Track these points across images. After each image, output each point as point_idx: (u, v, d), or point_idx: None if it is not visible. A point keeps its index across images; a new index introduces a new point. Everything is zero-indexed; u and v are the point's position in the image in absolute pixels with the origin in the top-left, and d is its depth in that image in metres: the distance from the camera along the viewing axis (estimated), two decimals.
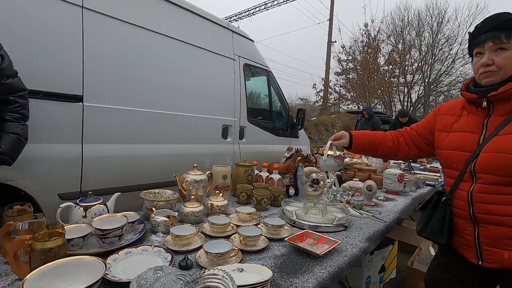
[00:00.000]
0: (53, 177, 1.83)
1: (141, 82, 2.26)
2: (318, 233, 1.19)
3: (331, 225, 1.32)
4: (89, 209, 1.04)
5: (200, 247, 1.02)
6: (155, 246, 0.97)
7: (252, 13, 22.15)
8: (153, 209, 1.18)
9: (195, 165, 1.50)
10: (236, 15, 22.74)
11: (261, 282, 0.76)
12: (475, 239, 1.04)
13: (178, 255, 0.96)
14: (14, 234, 0.82)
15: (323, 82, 17.08)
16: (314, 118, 15.09)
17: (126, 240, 1.01)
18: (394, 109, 16.19)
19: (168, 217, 1.14)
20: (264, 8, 21.32)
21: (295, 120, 4.09)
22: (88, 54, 1.95)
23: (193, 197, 1.29)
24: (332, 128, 14.46)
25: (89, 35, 1.95)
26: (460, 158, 1.05)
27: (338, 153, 1.40)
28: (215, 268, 0.74)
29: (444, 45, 16.10)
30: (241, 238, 1.04)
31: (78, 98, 1.92)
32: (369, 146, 1.38)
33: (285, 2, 20.04)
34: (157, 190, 1.36)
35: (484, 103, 1.01)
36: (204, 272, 0.72)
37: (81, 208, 1.04)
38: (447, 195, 1.11)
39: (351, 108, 16.28)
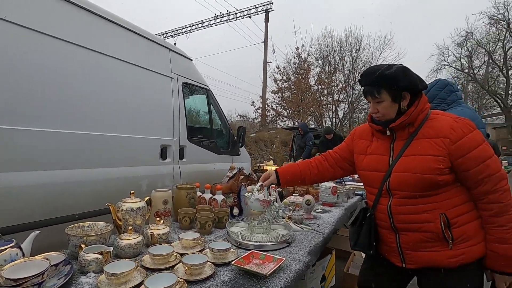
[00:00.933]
0: None
1: (67, 100, 2.02)
2: (263, 253, 1.21)
3: (276, 243, 1.36)
4: None
5: (141, 283, 0.93)
6: None
7: (189, 31, 22.17)
8: (82, 245, 1.04)
9: (132, 191, 1.39)
10: (172, 31, 22.43)
11: None
12: (397, 245, 1.21)
13: None
14: None
15: (261, 100, 17.84)
16: (254, 134, 15.54)
17: (47, 287, 0.86)
18: (324, 125, 17.77)
19: (101, 253, 1.02)
20: (201, 26, 21.58)
21: (236, 137, 4.15)
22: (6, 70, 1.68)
23: (130, 227, 1.18)
24: (271, 144, 15.06)
25: (7, 48, 1.69)
26: (377, 178, 1.23)
27: (264, 197, 1.49)
28: None
29: (362, 69, 18.56)
30: (186, 268, 0.99)
31: None
32: (296, 179, 1.54)
33: (222, 23, 20.64)
34: (87, 223, 1.21)
35: (388, 132, 1.22)
36: None
37: None
38: (370, 210, 1.27)
39: (288, 124, 17.30)
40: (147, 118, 2.71)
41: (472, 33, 15.83)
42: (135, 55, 2.61)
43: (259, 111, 17.62)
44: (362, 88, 1.25)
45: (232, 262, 1.09)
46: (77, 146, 2.07)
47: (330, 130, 6.57)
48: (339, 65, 18.49)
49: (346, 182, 3.27)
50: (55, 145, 1.92)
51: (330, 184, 2.29)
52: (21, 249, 0.94)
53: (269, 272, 1.03)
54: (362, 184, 3.41)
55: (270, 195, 1.56)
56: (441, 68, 17.36)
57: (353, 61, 18.43)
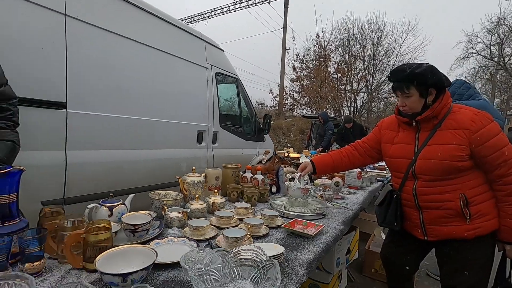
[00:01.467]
0: (36, 185, 1.82)
1: (123, 89, 2.31)
2: (305, 220, 1.46)
3: (313, 214, 1.60)
4: (113, 209, 1.16)
5: (214, 236, 1.21)
6: (179, 237, 1.13)
7: (208, 17, 22.18)
8: (165, 207, 1.33)
9: (193, 168, 1.66)
10: (191, 17, 22.52)
11: (279, 254, 0.99)
12: (420, 221, 1.41)
13: (200, 243, 1.14)
14: (60, 231, 0.93)
15: (279, 87, 17.85)
16: (272, 122, 15.66)
17: (150, 234, 1.15)
18: (342, 114, 17.64)
19: (181, 213, 1.30)
20: (220, 12, 21.51)
21: (261, 125, 4.38)
22: (71, 62, 1.97)
23: (198, 196, 1.46)
24: (288, 132, 15.20)
25: (72, 43, 1.97)
26: (403, 164, 1.42)
27: (305, 185, 1.70)
28: (240, 246, 0.95)
29: (383, 56, 18.11)
30: (249, 226, 1.25)
31: (62, 105, 1.93)
32: (329, 168, 1.75)
33: (241, 8, 20.49)
34: (163, 192, 1.50)
35: (413, 123, 1.39)
36: (236, 249, 0.93)
37: (106, 208, 1.15)
38: (397, 192, 1.47)
39: (305, 112, 17.29)
40: (186, 106, 2.98)
41: (505, 18, 15.01)
42: (179, 49, 2.87)
43: (277, 99, 17.66)
44: (391, 83, 1.41)
45: (282, 225, 1.35)
46: (130, 129, 2.37)
47: (350, 119, 6.67)
48: (360, 53, 18.10)
49: (367, 169, 3.45)
50: (111, 128, 2.21)
51: (355, 169, 2.50)
52: (126, 205, 1.23)
53: (314, 233, 1.28)
54: (383, 171, 3.59)
55: (306, 183, 1.77)
56: (469, 56, 16.63)
57: (375, 48, 17.97)
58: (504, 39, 15.55)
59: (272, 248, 1.05)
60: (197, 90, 3.17)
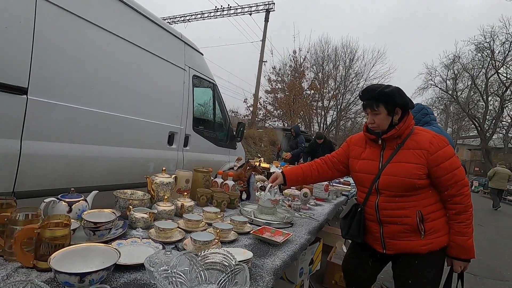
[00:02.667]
0: None
1: (92, 81, 2.19)
2: (273, 228, 1.47)
3: (281, 223, 1.62)
4: (73, 205, 1.08)
5: (181, 239, 1.17)
6: (143, 238, 1.08)
7: (188, 20, 22.01)
8: (130, 207, 1.26)
9: (164, 168, 1.61)
10: (170, 18, 22.18)
11: (247, 259, 0.98)
12: (380, 235, 1.48)
13: (166, 245, 1.09)
14: (11, 224, 0.84)
15: (254, 97, 18.06)
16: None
17: (112, 234, 1.08)
18: (312, 129, 18.25)
19: (147, 214, 1.24)
20: (201, 17, 21.46)
21: (234, 132, 4.38)
22: (38, 46, 1.83)
23: (166, 197, 1.41)
24: (259, 142, 15.33)
25: (41, 26, 1.85)
26: (368, 179, 1.50)
27: (275, 196, 1.73)
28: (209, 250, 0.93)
29: (353, 79, 19.19)
30: (218, 231, 1.23)
31: (22, 90, 1.78)
32: (300, 180, 1.78)
33: (222, 16, 20.64)
34: (129, 191, 1.42)
35: (379, 141, 1.48)
36: (204, 252, 0.90)
37: (65, 203, 1.06)
38: (361, 206, 1.54)
39: (277, 125, 17.63)
40: (160, 105, 2.90)
41: (459, 57, 16.75)
42: (157, 47, 2.80)
43: (251, 108, 17.81)
44: (362, 102, 1.51)
45: (251, 232, 1.35)
46: (97, 123, 2.24)
47: (322, 135, 6.91)
48: (332, 73, 19.02)
49: (333, 184, 3.58)
50: (76, 120, 2.08)
51: (323, 182, 2.58)
52: (87, 202, 1.15)
53: (282, 240, 1.29)
54: (348, 186, 3.74)
55: (275, 193, 1.79)
56: (428, 87, 18.23)
57: (346, 70, 19.01)
58: (458, 75, 17.28)
59: (241, 253, 1.04)
60: (172, 91, 3.10)
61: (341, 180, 4.56)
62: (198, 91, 3.72)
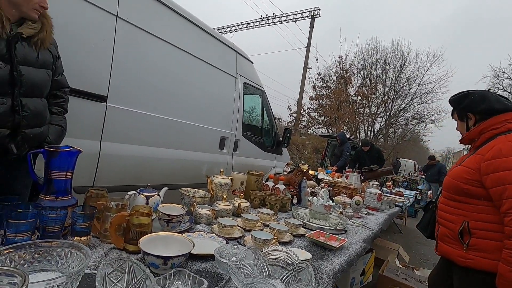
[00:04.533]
0: None
1: (156, 90, 2.43)
2: (328, 233, 1.47)
3: (334, 229, 1.61)
4: (150, 198, 1.22)
5: (240, 236, 1.25)
6: (208, 233, 1.18)
7: (234, 30, 22.89)
8: (194, 204, 1.38)
9: (222, 170, 1.72)
10: (218, 29, 23.28)
11: (307, 259, 1.01)
12: (436, 235, 1.44)
13: (229, 241, 1.17)
14: (106, 211, 0.99)
15: (297, 104, 17.96)
16: None
17: (181, 226, 1.20)
18: (358, 136, 17.48)
19: (209, 211, 1.34)
20: (247, 27, 22.16)
21: (281, 138, 4.43)
22: (116, 60, 2.10)
23: (225, 196, 1.51)
24: (302, 149, 15.18)
25: (119, 43, 2.11)
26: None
27: (328, 202, 1.73)
28: (270, 247, 0.98)
29: (405, 84, 17.97)
30: (274, 231, 1.28)
31: (103, 98, 2.05)
32: None
33: (267, 25, 21.04)
34: (192, 189, 1.56)
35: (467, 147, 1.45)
36: (267, 249, 0.96)
37: (143, 196, 1.21)
38: (434, 204, 1.54)
39: (321, 131, 17.25)
40: (213, 111, 3.08)
41: None
42: (212, 57, 2.99)
43: (295, 115, 17.74)
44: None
45: (306, 235, 1.37)
46: (160, 128, 2.47)
47: (368, 142, 6.60)
48: (381, 78, 18.07)
49: (386, 194, 3.41)
50: (142, 124, 2.31)
51: (376, 190, 2.49)
52: (160, 196, 1.29)
53: (338, 245, 1.29)
54: (401, 197, 3.53)
55: (327, 200, 1.78)
56: (495, 92, 16.31)
57: (397, 74, 17.91)
58: None
59: (300, 254, 1.08)
60: (225, 98, 3.27)
61: (393, 190, 4.32)
62: (248, 98, 3.86)
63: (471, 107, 1.35)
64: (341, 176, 3.55)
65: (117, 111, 2.13)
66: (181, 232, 1.14)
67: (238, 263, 0.85)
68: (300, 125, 18.13)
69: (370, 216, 2.22)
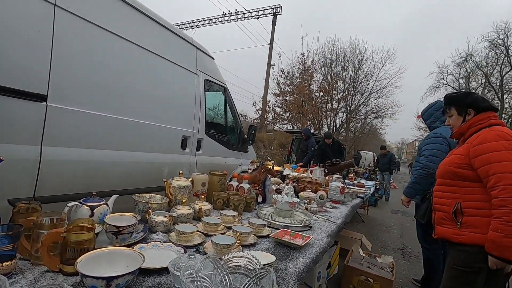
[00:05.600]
0: (3, 180, 1.67)
1: (107, 87, 2.22)
2: (292, 231, 1.44)
3: (299, 225, 1.59)
4: (95, 209, 1.08)
5: (201, 243, 1.16)
6: (164, 242, 1.07)
7: (196, 26, 22.32)
8: (150, 211, 1.26)
9: (181, 172, 1.61)
10: (179, 25, 22.54)
11: (270, 263, 0.96)
12: (433, 221, 1.60)
13: (187, 249, 1.08)
14: (37, 229, 0.85)
15: (262, 101, 18.07)
16: None
17: (133, 237, 1.08)
18: (322, 131, 18.09)
19: (166, 217, 1.24)
20: (209, 23, 21.73)
21: (246, 136, 4.38)
22: (56, 54, 1.87)
23: (185, 200, 1.41)
24: (269, 145, 15.31)
25: (59, 35, 1.89)
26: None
27: (292, 199, 1.72)
28: (232, 253, 0.91)
29: (363, 80, 18.95)
30: (238, 234, 1.22)
31: (42, 98, 1.82)
32: None
33: (230, 21, 20.82)
34: (147, 195, 1.43)
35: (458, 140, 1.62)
36: (228, 256, 0.89)
37: (87, 207, 1.07)
38: (430, 193, 1.68)
39: (286, 127, 17.56)
40: (173, 110, 2.92)
41: (472, 55, 16.33)
42: (170, 52, 2.82)
43: (260, 112, 17.83)
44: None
45: (270, 235, 1.32)
46: (113, 129, 2.27)
47: (330, 135, 6.81)
48: (341, 74, 18.86)
49: (349, 186, 3.52)
50: (93, 126, 2.10)
51: (338, 184, 2.54)
52: (108, 206, 1.15)
53: (303, 244, 1.26)
54: (362, 188, 3.68)
55: (292, 196, 1.76)
56: (439, 86, 17.80)
57: (355, 71, 18.82)
58: (471, 74, 16.86)
59: (263, 257, 1.03)
60: (185, 96, 3.12)
61: (355, 182, 4.50)
62: (210, 95, 3.73)
63: (477, 103, 1.50)
64: (306, 171, 3.59)
65: (60, 111, 1.90)
66: (133, 244, 1.03)
67: (194, 275, 0.78)
68: (266, 122, 18.26)
69: (334, 210, 2.25)
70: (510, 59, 14.05)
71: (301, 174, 3.35)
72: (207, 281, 0.80)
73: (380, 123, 21.27)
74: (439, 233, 1.53)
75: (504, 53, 14.24)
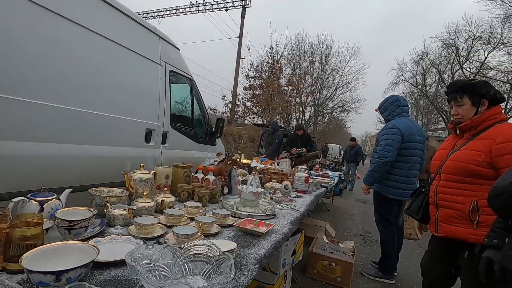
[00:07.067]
0: None
1: (63, 77, 2.07)
2: (256, 220, 1.47)
3: (263, 214, 1.63)
4: (45, 204, 1.02)
5: (162, 234, 1.15)
6: (123, 235, 1.05)
7: (162, 15, 21.43)
8: (107, 204, 1.22)
9: (142, 164, 1.56)
10: (143, 13, 21.48)
11: (231, 249, 0.98)
12: (436, 218, 1.55)
13: (147, 241, 1.06)
14: None
15: (232, 94, 17.94)
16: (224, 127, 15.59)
17: (89, 232, 1.04)
18: (291, 124, 18.47)
19: (125, 210, 1.20)
20: (176, 13, 20.97)
21: (214, 129, 4.34)
22: (3, 41, 1.70)
23: (146, 193, 1.37)
24: (239, 139, 15.29)
25: (8, 21, 1.72)
26: (436, 166, 1.59)
27: (257, 189, 1.74)
28: (193, 241, 0.92)
29: (329, 75, 19.60)
30: (200, 224, 1.22)
31: None
32: None
33: (197, 12, 20.26)
34: (106, 189, 1.37)
35: (457, 131, 1.54)
36: (188, 244, 0.89)
37: (35, 202, 1.00)
38: (426, 187, 1.64)
39: (256, 121, 17.65)
40: (135, 102, 2.80)
41: (427, 53, 17.56)
42: (131, 41, 2.69)
43: (230, 105, 17.70)
44: (447, 95, 1.56)
45: (234, 224, 1.34)
46: (69, 121, 2.13)
47: (301, 127, 7.00)
48: (309, 69, 19.33)
49: (313, 176, 3.65)
50: (46, 118, 1.96)
51: (303, 174, 2.63)
52: (61, 201, 1.09)
53: (265, 231, 1.30)
54: (326, 179, 3.83)
55: (257, 186, 1.79)
56: (399, 82, 18.96)
57: (322, 66, 19.38)
58: (426, 71, 18.13)
59: (225, 245, 1.04)
60: (148, 87, 3.00)
61: (320, 172, 4.67)
62: (176, 87, 3.63)
63: (494, 94, 1.43)
64: (274, 163, 3.66)
65: (7, 102, 1.74)
66: (89, 239, 0.99)
67: (152, 264, 0.77)
68: (236, 116, 18.19)
69: (298, 199, 2.33)
70: (459, 58, 15.30)
71: (268, 166, 3.41)
72: (166, 270, 0.80)
73: (345, 116, 22.23)
74: (448, 232, 1.46)
75: (455, 52, 15.47)
